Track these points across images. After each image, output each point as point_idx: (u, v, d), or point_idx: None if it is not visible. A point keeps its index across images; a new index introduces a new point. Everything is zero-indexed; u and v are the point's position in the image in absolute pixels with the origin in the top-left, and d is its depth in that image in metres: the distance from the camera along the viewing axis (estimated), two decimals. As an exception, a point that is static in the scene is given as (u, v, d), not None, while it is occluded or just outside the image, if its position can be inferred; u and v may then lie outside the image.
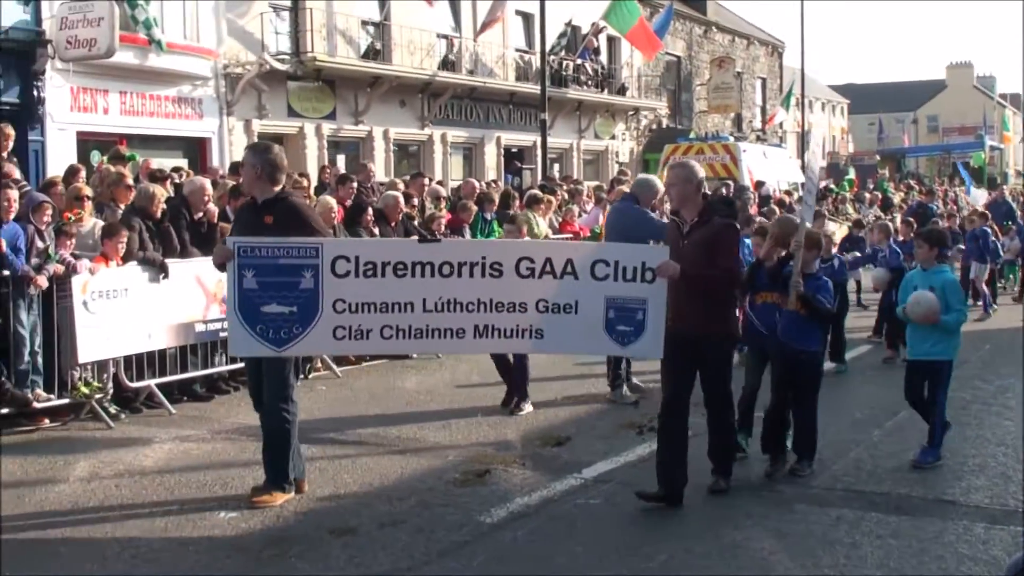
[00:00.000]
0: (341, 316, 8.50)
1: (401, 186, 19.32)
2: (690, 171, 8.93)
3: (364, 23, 30.50)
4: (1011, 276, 26.43)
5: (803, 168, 10.40)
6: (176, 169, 18.97)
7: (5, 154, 14.09)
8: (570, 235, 19.54)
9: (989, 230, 22.55)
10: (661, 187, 13.27)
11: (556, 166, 37.96)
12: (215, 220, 13.71)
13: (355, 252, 8.61)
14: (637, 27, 35.39)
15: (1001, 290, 24.98)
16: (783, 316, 9.61)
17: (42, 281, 11.13)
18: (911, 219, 24.23)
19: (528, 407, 12.18)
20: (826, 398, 10.57)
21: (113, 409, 11.79)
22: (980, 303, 21.51)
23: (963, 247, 22.33)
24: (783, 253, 9.79)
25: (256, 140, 26.53)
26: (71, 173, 15.08)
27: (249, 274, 8.29)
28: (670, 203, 9.59)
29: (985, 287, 21.90)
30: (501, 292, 8.67)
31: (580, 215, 21.69)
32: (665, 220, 11.68)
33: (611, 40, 41.60)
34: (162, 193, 13.69)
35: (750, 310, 10.58)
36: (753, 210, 25.73)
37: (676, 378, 8.77)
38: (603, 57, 41.50)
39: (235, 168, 19.76)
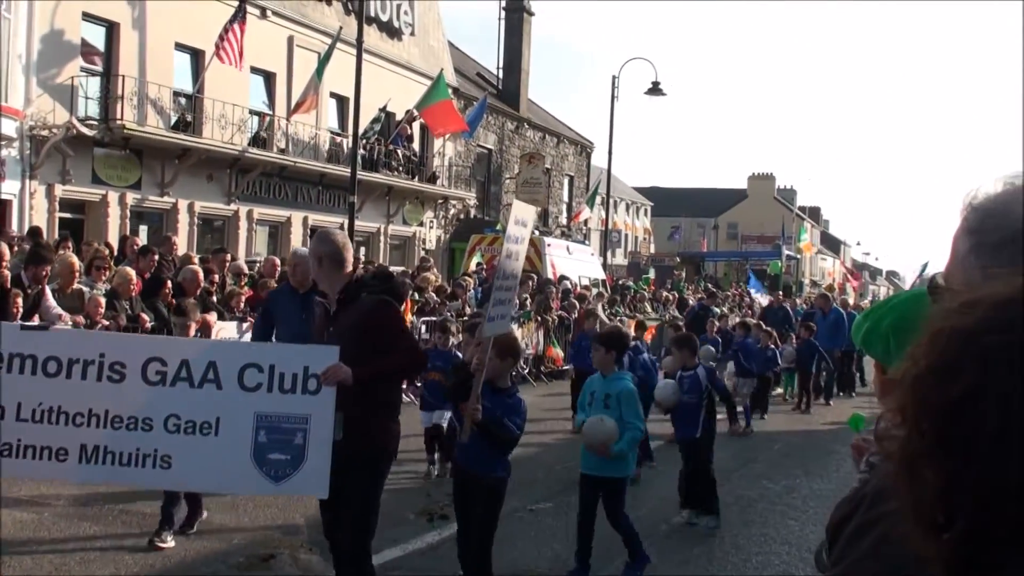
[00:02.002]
0: None
1: (197, 260, 19.05)
2: (318, 242, 7.40)
3: (176, 94, 30.17)
4: (789, 386, 26.03)
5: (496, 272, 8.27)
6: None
7: None
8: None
9: (751, 342, 21.81)
10: (302, 257, 11.57)
11: (363, 249, 37.96)
12: (8, 286, 13.33)
13: None
14: (438, 107, 35.95)
15: (781, 400, 25.11)
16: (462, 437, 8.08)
17: None
18: (680, 323, 24.54)
19: (170, 541, 9.56)
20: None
21: None
22: (742, 418, 19.74)
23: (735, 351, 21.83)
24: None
25: (58, 205, 26.00)
26: None
27: None
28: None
29: (747, 401, 20.55)
30: (120, 402, 6.81)
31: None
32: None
33: (424, 128, 41.95)
34: (-48, 256, 13.26)
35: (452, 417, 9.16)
36: (555, 304, 26.18)
37: (327, 506, 7.23)
38: (415, 145, 41.78)
39: (34, 233, 19.29)
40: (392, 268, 29.71)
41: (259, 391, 6.82)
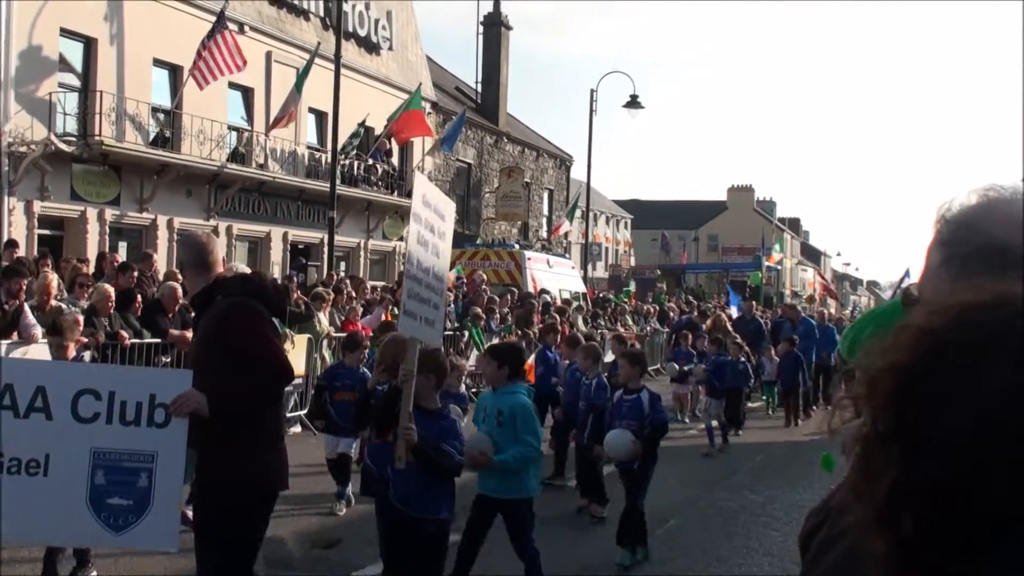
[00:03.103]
0: None
1: (180, 277, 19.04)
2: (178, 248, 6.25)
3: (155, 109, 30.11)
4: (768, 398, 25.65)
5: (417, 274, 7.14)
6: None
7: None
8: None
9: (728, 358, 20.72)
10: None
11: (343, 264, 37.90)
12: (-16, 302, 13.30)
13: None
14: (407, 116, 36.14)
15: (764, 414, 25.01)
16: (395, 469, 6.97)
17: None
18: (624, 334, 24.37)
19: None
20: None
21: None
22: (715, 438, 19.18)
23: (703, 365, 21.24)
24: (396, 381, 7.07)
25: (37, 222, 25.88)
26: None
27: None
28: None
29: (722, 418, 19.66)
30: None
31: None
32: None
33: (404, 143, 41.99)
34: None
35: (369, 453, 8.44)
36: (536, 318, 26.16)
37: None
38: (394, 159, 41.78)
39: (10, 244, 19.22)
40: (372, 283, 29.66)
41: (96, 422, 5.75)
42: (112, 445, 5.72)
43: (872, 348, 1.40)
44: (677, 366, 22.39)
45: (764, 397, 25.93)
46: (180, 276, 14.38)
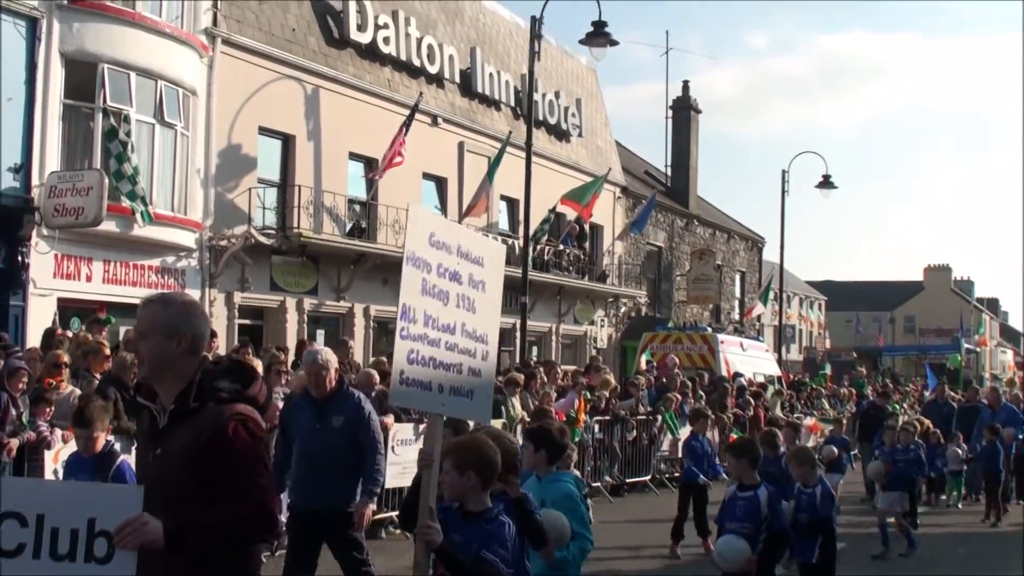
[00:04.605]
0: None
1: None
2: (156, 311, 4.86)
3: (351, 201, 30.85)
4: (954, 491, 23.67)
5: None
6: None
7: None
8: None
9: (922, 448, 18.85)
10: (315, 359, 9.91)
11: (535, 349, 38.05)
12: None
13: None
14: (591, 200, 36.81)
15: (946, 506, 23.32)
16: None
17: (13, 445, 11.08)
18: (843, 420, 23.57)
19: None
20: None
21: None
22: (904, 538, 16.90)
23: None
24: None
25: (237, 312, 26.64)
26: (49, 339, 15.15)
27: None
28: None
29: (903, 520, 17.12)
30: None
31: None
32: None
33: (593, 228, 42.13)
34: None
35: None
36: (731, 402, 25.85)
37: None
38: (586, 244, 41.94)
39: (211, 336, 19.79)
40: (564, 368, 29.55)
41: (21, 557, 4.37)
42: None
43: None
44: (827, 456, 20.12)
45: (949, 488, 23.94)
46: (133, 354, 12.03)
